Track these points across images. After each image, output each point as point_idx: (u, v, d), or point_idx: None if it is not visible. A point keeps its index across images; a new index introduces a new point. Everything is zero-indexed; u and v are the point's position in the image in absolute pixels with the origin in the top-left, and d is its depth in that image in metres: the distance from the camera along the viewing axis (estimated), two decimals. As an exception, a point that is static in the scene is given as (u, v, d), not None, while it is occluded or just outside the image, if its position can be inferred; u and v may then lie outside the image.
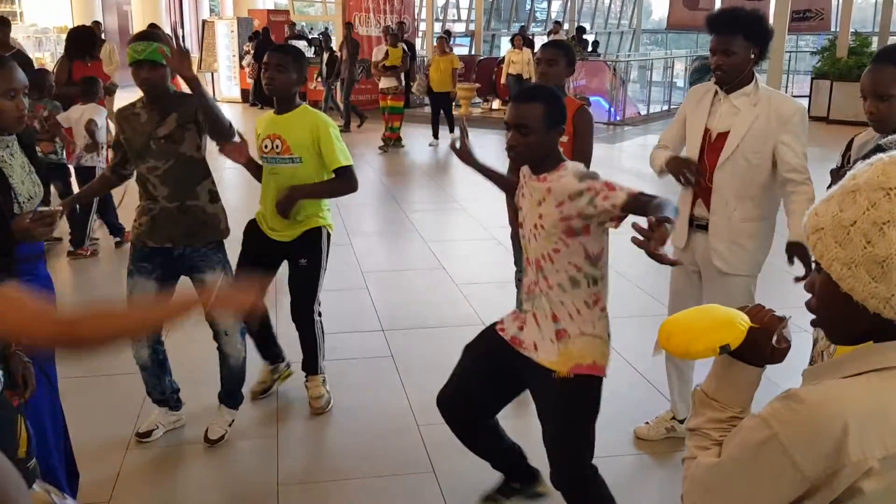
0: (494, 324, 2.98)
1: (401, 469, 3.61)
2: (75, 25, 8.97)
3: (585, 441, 2.79)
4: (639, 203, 2.47)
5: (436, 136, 13.40)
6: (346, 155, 3.82)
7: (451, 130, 13.08)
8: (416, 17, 21.59)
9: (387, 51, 12.66)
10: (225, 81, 19.85)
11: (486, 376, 2.95)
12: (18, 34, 16.65)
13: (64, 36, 8.45)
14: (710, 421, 1.49)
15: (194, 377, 4.04)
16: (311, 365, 4.16)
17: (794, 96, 19.71)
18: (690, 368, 3.80)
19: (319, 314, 4.12)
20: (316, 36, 19.90)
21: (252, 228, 4.04)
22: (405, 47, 13.07)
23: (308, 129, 3.77)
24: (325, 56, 15.13)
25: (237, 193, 8.35)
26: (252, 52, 17.72)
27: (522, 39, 16.04)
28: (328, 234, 4.00)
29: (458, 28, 23.78)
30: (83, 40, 7.91)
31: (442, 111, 13.43)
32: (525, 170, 2.84)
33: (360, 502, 3.41)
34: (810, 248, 1.34)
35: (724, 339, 1.44)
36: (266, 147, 3.82)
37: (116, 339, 1.79)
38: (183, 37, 22.84)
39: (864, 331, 1.31)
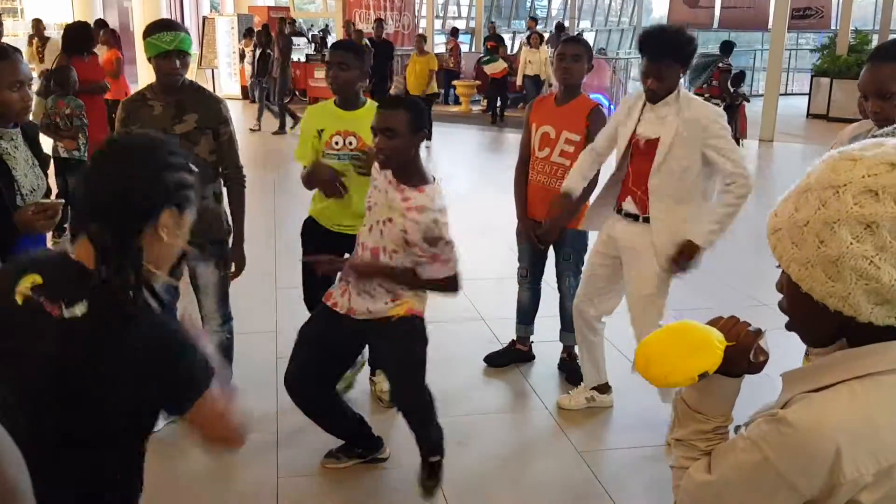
0: (325, 303, 3.29)
1: (399, 461, 3.63)
2: (71, 22, 8.95)
3: (424, 367, 3.22)
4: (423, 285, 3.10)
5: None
6: None
7: (429, 137, 12.76)
8: (416, 14, 21.60)
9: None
10: (225, 78, 19.86)
11: (324, 352, 3.28)
12: (19, 31, 16.65)
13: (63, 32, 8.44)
14: (695, 433, 1.49)
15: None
16: None
17: (794, 94, 19.70)
18: (599, 337, 4.06)
19: None
20: (316, 33, 19.90)
21: (311, 227, 4.05)
22: (368, 43, 12.44)
23: None
24: (258, 52, 14.46)
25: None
26: (254, 49, 17.67)
27: (539, 38, 15.11)
28: None
29: (458, 25, 23.76)
30: (80, 37, 7.90)
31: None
32: (385, 172, 3.10)
33: (359, 494, 3.43)
34: (771, 248, 1.33)
35: (700, 368, 1.43)
36: (337, 144, 3.77)
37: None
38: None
39: (833, 330, 1.30)
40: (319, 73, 16.58)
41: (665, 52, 3.44)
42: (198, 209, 3.51)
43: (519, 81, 15.25)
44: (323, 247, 4.01)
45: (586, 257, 4.03)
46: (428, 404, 3.26)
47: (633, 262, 3.68)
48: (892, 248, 1.20)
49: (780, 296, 1.40)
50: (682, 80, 3.55)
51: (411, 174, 3.05)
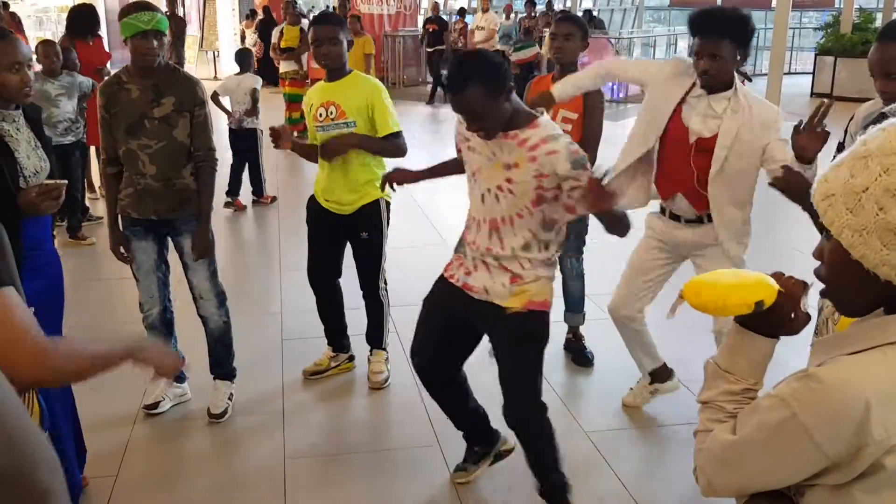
0: (443, 275, 3.08)
1: (406, 442, 3.64)
2: (76, 4, 8.90)
3: (536, 374, 2.90)
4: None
5: None
6: (396, 122, 3.89)
7: None
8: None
9: (281, 29, 11.40)
10: (227, 60, 19.77)
11: (446, 326, 3.05)
12: (20, 13, 16.57)
13: (65, 15, 8.38)
14: (723, 394, 1.48)
15: (201, 353, 4.05)
16: (376, 338, 4.24)
17: (798, 73, 19.49)
18: (644, 326, 3.79)
19: (385, 286, 4.18)
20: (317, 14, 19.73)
21: (312, 204, 4.08)
22: (305, 26, 11.53)
23: (362, 94, 3.81)
24: None
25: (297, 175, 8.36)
26: (256, 31, 17.54)
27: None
28: (387, 204, 4.04)
29: (461, 3, 23.58)
30: (84, 19, 7.86)
31: None
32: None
33: (366, 475, 3.43)
34: (820, 214, 1.31)
35: (759, 296, 1.42)
36: (321, 116, 3.83)
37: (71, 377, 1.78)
38: (184, 14, 22.73)
39: (874, 300, 1.30)
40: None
41: (722, 30, 3.14)
42: (170, 187, 3.48)
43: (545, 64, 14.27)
44: (322, 224, 4.02)
45: (630, 254, 3.76)
46: (538, 418, 2.95)
47: (709, 260, 3.44)
48: None
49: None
50: (736, 76, 3.27)
51: (517, 118, 2.69)
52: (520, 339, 2.86)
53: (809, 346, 1.40)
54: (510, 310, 2.80)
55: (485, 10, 16.02)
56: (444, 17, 17.40)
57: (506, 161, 2.71)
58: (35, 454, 0.98)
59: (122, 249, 3.67)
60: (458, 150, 2.99)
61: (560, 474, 3.03)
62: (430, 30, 16.40)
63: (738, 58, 3.19)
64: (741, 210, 3.36)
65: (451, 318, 3.03)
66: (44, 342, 1.52)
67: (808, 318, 1.48)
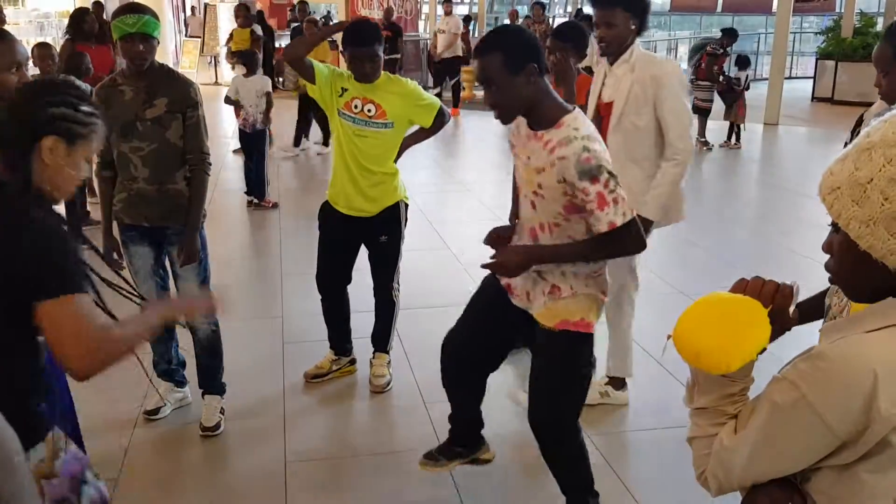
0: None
1: (408, 445, 3.63)
2: (76, 8, 8.92)
3: (566, 393, 2.78)
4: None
5: (297, 143, 10.64)
6: (432, 98, 4.02)
7: (326, 143, 10.27)
8: (418, -2, 21.42)
9: (231, 32, 11.06)
10: (227, 65, 19.78)
11: (483, 318, 2.93)
12: (20, 19, 16.59)
13: (66, 20, 8.40)
14: (722, 398, 1.47)
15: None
16: (382, 341, 4.23)
17: (798, 77, 19.46)
18: (629, 326, 3.87)
19: (399, 287, 4.18)
20: (317, 18, 19.79)
21: (327, 211, 4.06)
22: (258, 30, 11.57)
23: (402, 96, 3.86)
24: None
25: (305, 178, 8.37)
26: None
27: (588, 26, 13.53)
28: (405, 206, 4.07)
29: (461, 11, 23.60)
30: (83, 23, 7.88)
31: (314, 118, 10.24)
32: (520, 125, 2.69)
33: (368, 478, 3.42)
34: (827, 207, 1.32)
35: (759, 346, 1.42)
36: (356, 108, 3.81)
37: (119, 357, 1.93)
38: (185, 20, 22.78)
39: (885, 288, 1.30)
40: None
41: (613, 0, 3.48)
42: (163, 192, 3.44)
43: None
44: (337, 230, 4.02)
45: None
46: (559, 437, 2.83)
47: None
48: None
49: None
50: (637, 41, 3.57)
51: (544, 114, 2.56)
52: (552, 356, 2.75)
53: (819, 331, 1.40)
54: (543, 326, 2.71)
55: (447, 13, 15.60)
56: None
57: (535, 165, 2.59)
58: None
59: (115, 255, 3.64)
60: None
61: (583, 499, 2.93)
62: (387, 36, 15.56)
63: (634, 27, 3.51)
64: (640, 168, 3.54)
65: (492, 311, 2.91)
66: (97, 336, 1.78)
67: (797, 317, 1.50)
